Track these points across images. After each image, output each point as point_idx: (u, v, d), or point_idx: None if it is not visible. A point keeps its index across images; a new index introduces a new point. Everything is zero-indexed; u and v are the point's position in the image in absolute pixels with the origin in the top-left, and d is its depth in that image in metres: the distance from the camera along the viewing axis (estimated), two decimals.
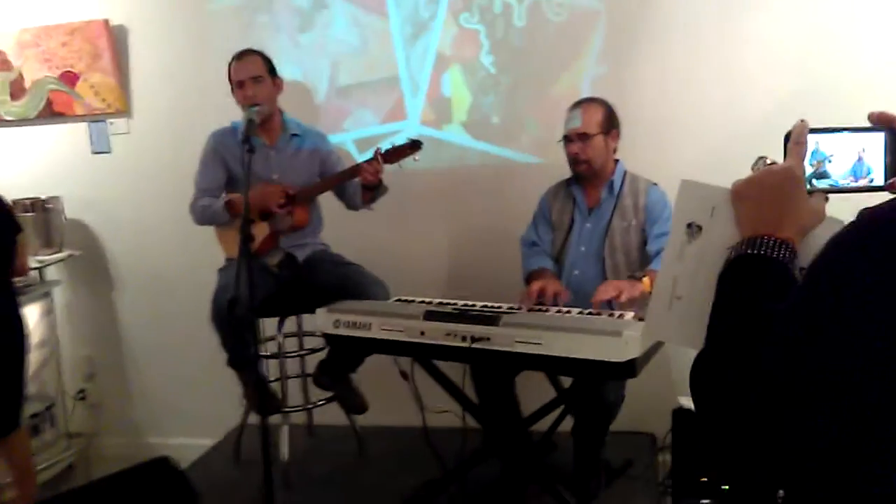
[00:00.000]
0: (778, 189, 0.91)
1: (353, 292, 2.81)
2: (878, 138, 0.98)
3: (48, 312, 3.64)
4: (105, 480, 2.59)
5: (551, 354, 2.17)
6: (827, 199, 0.96)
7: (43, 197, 3.62)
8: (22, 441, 2.96)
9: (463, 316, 2.37)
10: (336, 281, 2.93)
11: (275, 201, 2.91)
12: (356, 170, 2.86)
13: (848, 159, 0.99)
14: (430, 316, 2.40)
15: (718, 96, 3.11)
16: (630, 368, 2.08)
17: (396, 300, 2.76)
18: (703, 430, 0.83)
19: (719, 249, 0.94)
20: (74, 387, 3.84)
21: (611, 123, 2.76)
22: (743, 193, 0.94)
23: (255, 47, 3.13)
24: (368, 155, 2.88)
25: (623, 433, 2.94)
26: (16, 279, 2.90)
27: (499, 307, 2.55)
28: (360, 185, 2.92)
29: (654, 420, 3.11)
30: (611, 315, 2.39)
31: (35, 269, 3.45)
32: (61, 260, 3.65)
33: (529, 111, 3.33)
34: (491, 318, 2.30)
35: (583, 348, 2.11)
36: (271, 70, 2.98)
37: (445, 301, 2.66)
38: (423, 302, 2.67)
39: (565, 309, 2.50)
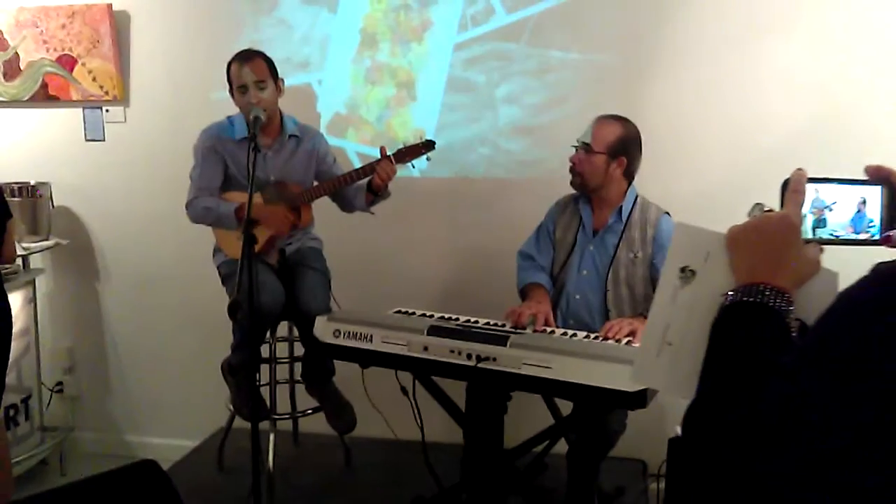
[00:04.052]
0: (775, 237, 0.90)
1: (294, 298, 2.85)
2: (877, 192, 0.98)
3: (29, 301, 3.54)
4: (87, 481, 2.50)
5: (561, 379, 2.13)
6: (822, 249, 0.96)
7: (32, 182, 3.53)
8: None
9: (469, 333, 2.33)
10: (294, 282, 2.90)
11: (285, 228, 2.89)
12: (369, 170, 2.81)
13: (848, 210, 0.99)
14: (435, 331, 2.35)
15: (735, 123, 3.10)
16: (641, 398, 2.05)
17: (396, 311, 2.70)
18: (697, 477, 0.81)
19: (713, 295, 0.93)
20: (52, 379, 3.74)
21: (622, 148, 2.65)
22: (739, 240, 0.93)
23: (265, 41, 3.06)
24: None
25: (614, 459, 2.90)
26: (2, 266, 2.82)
27: (503, 325, 2.51)
28: (365, 187, 2.87)
29: (646, 447, 3.09)
30: (618, 342, 2.36)
31: (20, 256, 3.34)
32: (47, 248, 3.55)
33: (540, 133, 3.31)
34: (498, 338, 2.26)
35: (594, 375, 2.08)
36: (274, 72, 2.89)
37: (447, 316, 2.62)
38: (423, 315, 2.63)
39: (571, 332, 2.46)
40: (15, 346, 3.09)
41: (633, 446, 3.04)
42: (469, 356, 2.26)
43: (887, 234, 0.97)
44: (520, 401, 2.63)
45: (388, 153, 2.79)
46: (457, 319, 2.56)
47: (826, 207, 0.98)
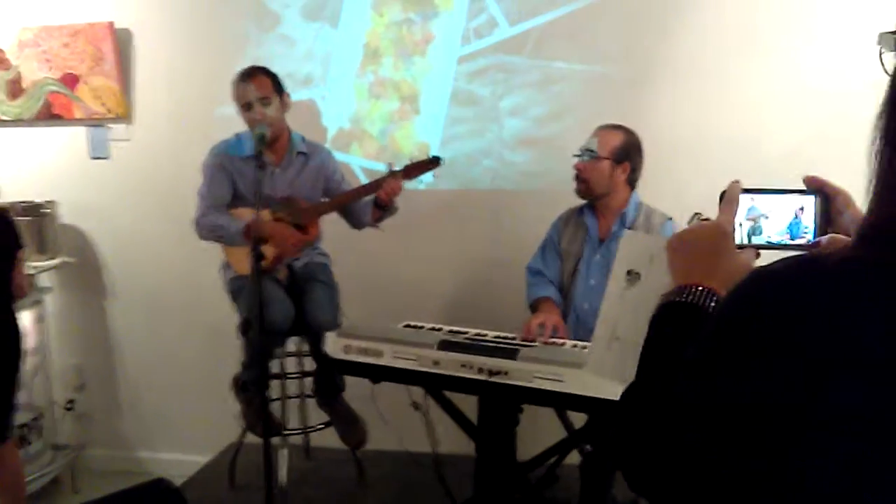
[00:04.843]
0: (707, 242, 0.98)
1: (303, 313, 2.86)
2: (811, 200, 1.04)
3: (39, 320, 3.55)
4: (101, 501, 2.52)
5: (573, 392, 2.14)
6: (758, 254, 1.03)
7: (38, 201, 3.54)
8: (11, 453, 2.88)
9: (479, 347, 2.34)
10: (302, 297, 2.91)
11: (292, 247, 2.90)
12: (376, 186, 2.82)
13: (785, 218, 1.05)
14: (445, 346, 2.36)
15: (739, 133, 3.11)
16: None
17: (405, 325, 2.72)
18: (618, 461, 0.87)
19: (655, 295, 0.99)
20: (63, 397, 3.74)
21: (625, 154, 2.71)
22: (675, 245, 1.01)
23: (268, 58, 3.07)
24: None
25: None
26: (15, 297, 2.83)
27: (513, 338, 2.53)
28: (372, 203, 2.88)
29: None
30: None
31: (28, 275, 3.35)
32: (54, 267, 3.56)
33: (545, 145, 3.33)
34: (509, 352, 2.27)
35: (606, 387, 2.08)
36: (279, 88, 2.91)
37: (457, 329, 2.63)
38: (433, 329, 2.64)
39: (581, 344, 2.47)
40: (26, 365, 3.11)
41: None
42: (480, 370, 2.26)
43: (817, 239, 1.03)
44: (532, 412, 2.65)
45: (396, 168, 2.80)
46: (466, 333, 2.56)
47: (761, 216, 1.04)
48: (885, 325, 0.67)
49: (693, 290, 0.93)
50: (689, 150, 3.17)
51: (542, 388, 2.18)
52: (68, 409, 3.75)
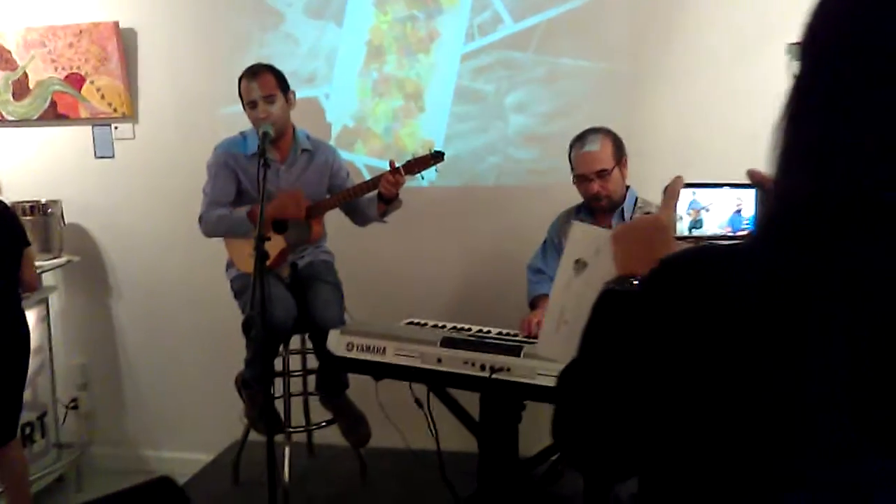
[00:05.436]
0: (645, 235, 1.04)
1: (309, 312, 2.86)
2: (751, 194, 1.08)
3: (43, 319, 3.55)
4: (104, 500, 2.52)
5: None
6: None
7: (43, 200, 3.55)
8: (17, 451, 2.89)
9: (482, 344, 2.33)
10: (307, 295, 2.90)
11: (295, 208, 2.87)
12: (377, 180, 2.82)
13: (726, 211, 1.09)
14: (448, 343, 2.35)
15: (745, 130, 3.08)
16: None
17: (408, 322, 2.71)
18: (556, 431, 0.91)
19: (600, 283, 1.03)
20: (67, 396, 3.75)
21: (620, 151, 2.73)
22: (618, 237, 1.06)
23: (272, 56, 3.07)
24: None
25: None
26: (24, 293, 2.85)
27: (516, 335, 2.51)
28: (377, 197, 2.88)
29: None
30: None
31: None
32: (59, 265, 3.57)
33: (550, 141, 3.30)
34: (512, 349, 2.26)
35: None
36: (283, 85, 2.91)
37: (459, 326, 2.62)
38: (436, 326, 2.63)
39: None
40: (30, 364, 3.12)
41: None
42: (483, 367, 2.26)
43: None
44: (534, 409, 2.64)
45: (397, 165, 2.80)
46: (469, 330, 2.56)
47: (702, 209, 1.08)
48: (753, 299, 0.73)
49: (630, 279, 0.99)
50: (695, 145, 3.15)
51: (546, 384, 2.16)
52: (72, 408, 3.75)
